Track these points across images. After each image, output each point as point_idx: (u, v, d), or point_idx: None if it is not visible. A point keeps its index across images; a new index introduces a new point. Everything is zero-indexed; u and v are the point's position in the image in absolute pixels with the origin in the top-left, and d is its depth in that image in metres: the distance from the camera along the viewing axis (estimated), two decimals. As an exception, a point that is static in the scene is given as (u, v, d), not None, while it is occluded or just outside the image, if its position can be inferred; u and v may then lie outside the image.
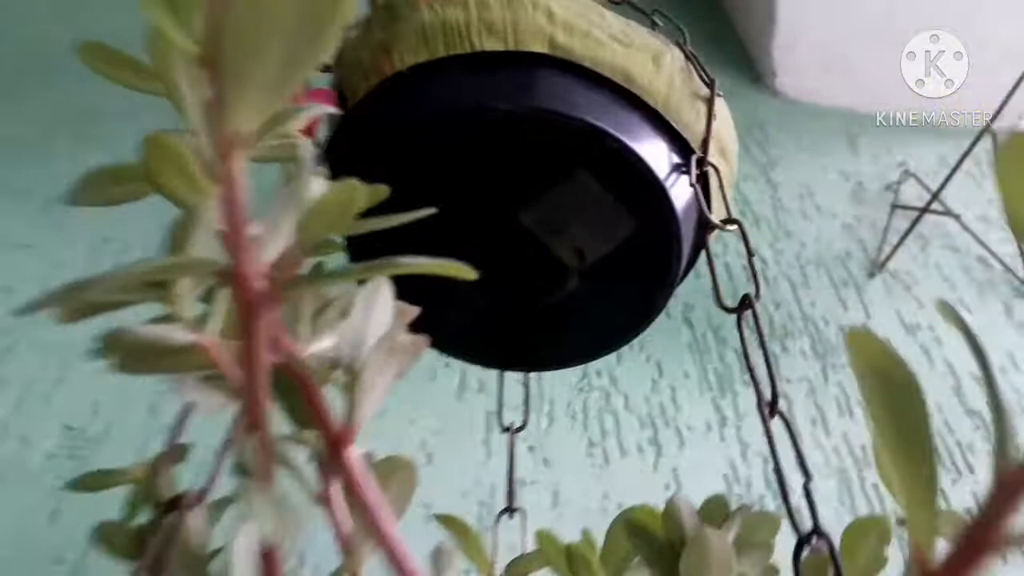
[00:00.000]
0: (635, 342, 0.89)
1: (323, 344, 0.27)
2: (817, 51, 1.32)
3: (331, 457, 0.23)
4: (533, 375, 0.83)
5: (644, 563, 0.39)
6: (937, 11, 1.23)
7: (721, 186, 0.46)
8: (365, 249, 0.46)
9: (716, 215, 0.46)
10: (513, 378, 0.70)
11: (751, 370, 0.36)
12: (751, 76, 1.39)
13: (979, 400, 0.88)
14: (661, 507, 0.39)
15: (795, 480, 0.32)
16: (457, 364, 0.82)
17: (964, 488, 0.79)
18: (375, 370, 0.24)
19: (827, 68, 1.32)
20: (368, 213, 0.46)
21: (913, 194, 1.15)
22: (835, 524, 0.77)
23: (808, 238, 1.08)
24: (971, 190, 1.18)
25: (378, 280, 0.26)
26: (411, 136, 0.43)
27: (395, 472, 0.29)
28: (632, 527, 0.39)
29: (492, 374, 0.81)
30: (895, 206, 1.11)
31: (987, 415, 0.87)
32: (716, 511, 0.43)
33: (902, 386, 0.18)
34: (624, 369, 0.86)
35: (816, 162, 1.21)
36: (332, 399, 0.25)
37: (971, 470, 0.81)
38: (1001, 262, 1.05)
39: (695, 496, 0.72)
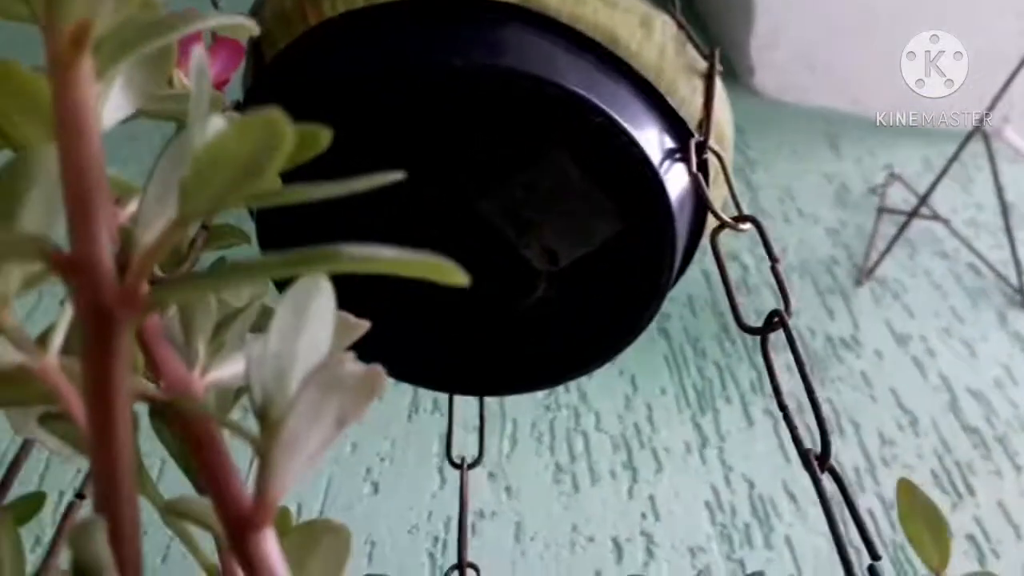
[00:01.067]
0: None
1: (228, 371, 0.19)
2: (797, 49, 1.26)
3: (234, 545, 0.15)
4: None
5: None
6: (923, 9, 1.18)
7: (727, 177, 0.39)
8: (278, 241, 0.38)
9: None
10: (469, 400, 0.62)
11: (784, 410, 0.29)
12: (728, 75, 1.32)
13: (977, 416, 0.81)
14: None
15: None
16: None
17: (965, 513, 0.73)
18: (306, 418, 0.15)
19: (808, 66, 1.26)
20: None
21: (899, 198, 1.09)
22: (829, 555, 0.69)
23: (791, 244, 1.01)
24: (958, 194, 1.13)
25: (314, 281, 0.17)
26: (337, 96, 0.34)
27: (321, 540, 0.21)
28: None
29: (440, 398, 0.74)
30: (881, 210, 1.05)
31: (987, 432, 0.80)
32: None
33: None
34: (595, 384, 0.78)
35: (797, 164, 1.15)
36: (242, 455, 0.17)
37: (971, 492, 0.75)
38: (993, 269, 0.99)
39: (675, 526, 0.63)
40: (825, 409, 0.81)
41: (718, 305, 0.90)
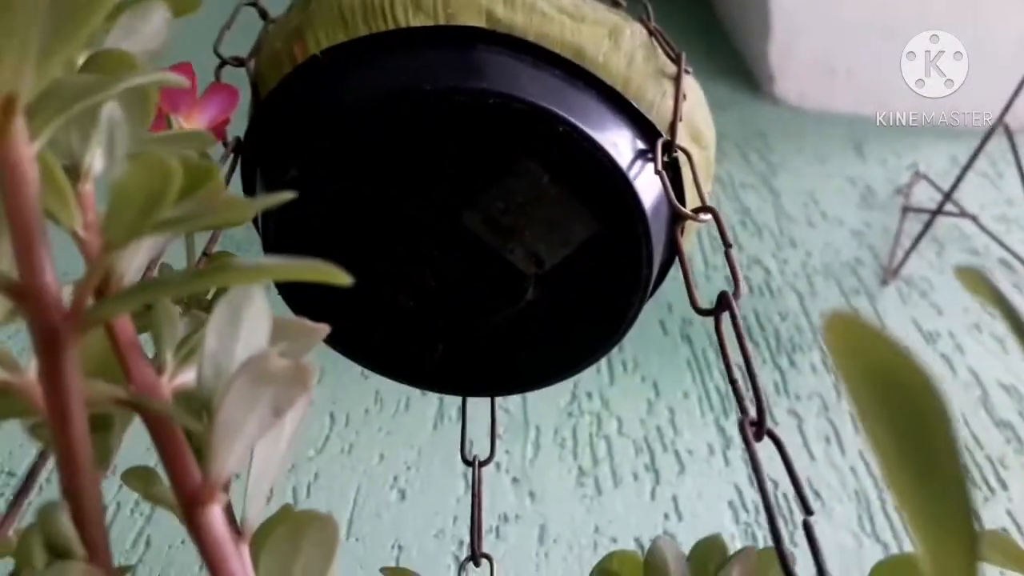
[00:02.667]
0: (629, 361, 0.82)
1: (191, 375, 0.21)
2: (816, 55, 1.26)
3: (187, 518, 0.18)
4: (514, 400, 0.77)
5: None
6: (938, 8, 1.17)
7: (693, 171, 0.41)
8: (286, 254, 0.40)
9: (691, 207, 0.40)
10: (484, 404, 0.63)
11: (733, 383, 0.31)
12: (749, 84, 1.34)
13: (1009, 410, 0.80)
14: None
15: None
16: (435, 391, 0.76)
17: (998, 507, 0.72)
18: (239, 407, 0.18)
19: (828, 71, 1.26)
20: (291, 213, 0.39)
21: (925, 196, 1.08)
22: (855, 552, 0.69)
23: (815, 247, 1.01)
24: (987, 190, 1.11)
25: (245, 291, 0.20)
26: (324, 127, 0.37)
27: (307, 530, 0.23)
28: (607, 580, 0.32)
29: (471, 404, 0.75)
30: (906, 209, 1.05)
31: (1020, 426, 0.79)
32: (710, 555, 0.36)
33: (912, 391, 0.12)
34: (617, 390, 0.80)
35: (820, 168, 1.15)
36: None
37: (1004, 486, 0.74)
38: (1024, 263, 0.98)
39: (698, 526, 0.64)
40: (851, 408, 0.81)
41: (742, 308, 0.90)
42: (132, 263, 0.19)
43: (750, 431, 0.27)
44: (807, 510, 0.24)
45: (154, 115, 0.26)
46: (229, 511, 0.27)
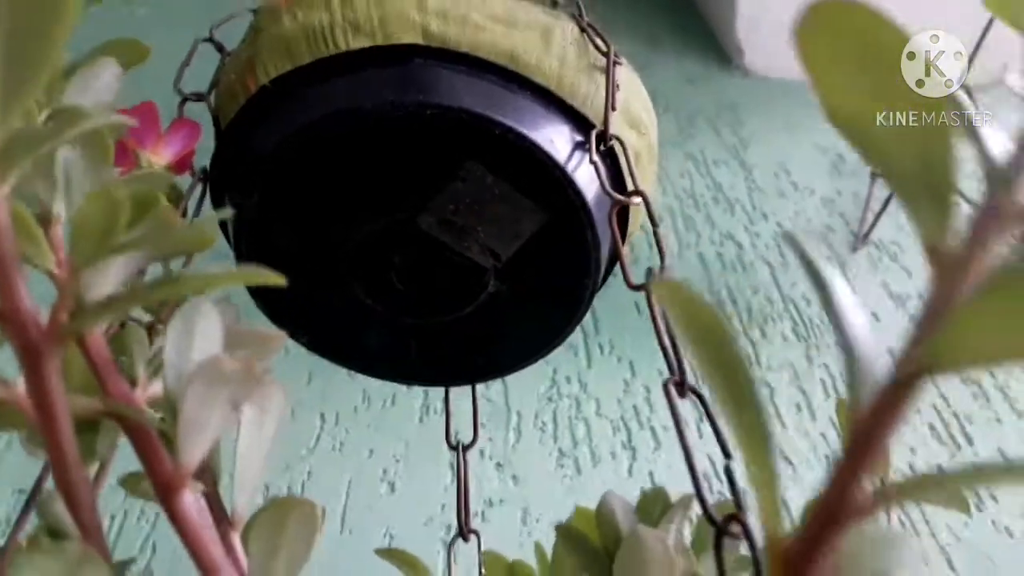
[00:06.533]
0: (605, 344, 0.85)
1: (160, 387, 0.24)
2: (782, 26, 1.28)
3: (162, 503, 0.21)
4: (495, 388, 0.80)
5: (582, 572, 0.36)
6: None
7: (626, 158, 0.43)
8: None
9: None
10: (468, 393, 0.67)
11: (663, 349, 0.33)
12: (718, 58, 1.35)
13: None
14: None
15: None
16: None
17: (965, 461, 0.75)
18: (197, 405, 0.21)
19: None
20: (270, 236, 0.42)
21: (894, 160, 1.10)
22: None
23: (785, 217, 1.04)
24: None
25: (195, 306, 0.23)
26: (278, 152, 0.40)
27: (289, 514, 0.27)
28: (567, 535, 0.36)
29: (455, 394, 0.79)
30: (875, 174, 1.07)
31: (987, 383, 0.82)
32: (655, 503, 0.39)
33: (713, 330, 0.16)
34: (594, 373, 0.83)
35: (790, 137, 1.17)
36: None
37: (970, 442, 0.77)
38: (992, 220, 1.00)
39: (673, 497, 0.67)
40: (821, 375, 0.84)
41: (714, 285, 0.93)
42: (103, 287, 0.22)
43: (673, 389, 0.30)
44: (726, 454, 0.27)
45: (113, 156, 0.29)
46: (219, 505, 0.30)
